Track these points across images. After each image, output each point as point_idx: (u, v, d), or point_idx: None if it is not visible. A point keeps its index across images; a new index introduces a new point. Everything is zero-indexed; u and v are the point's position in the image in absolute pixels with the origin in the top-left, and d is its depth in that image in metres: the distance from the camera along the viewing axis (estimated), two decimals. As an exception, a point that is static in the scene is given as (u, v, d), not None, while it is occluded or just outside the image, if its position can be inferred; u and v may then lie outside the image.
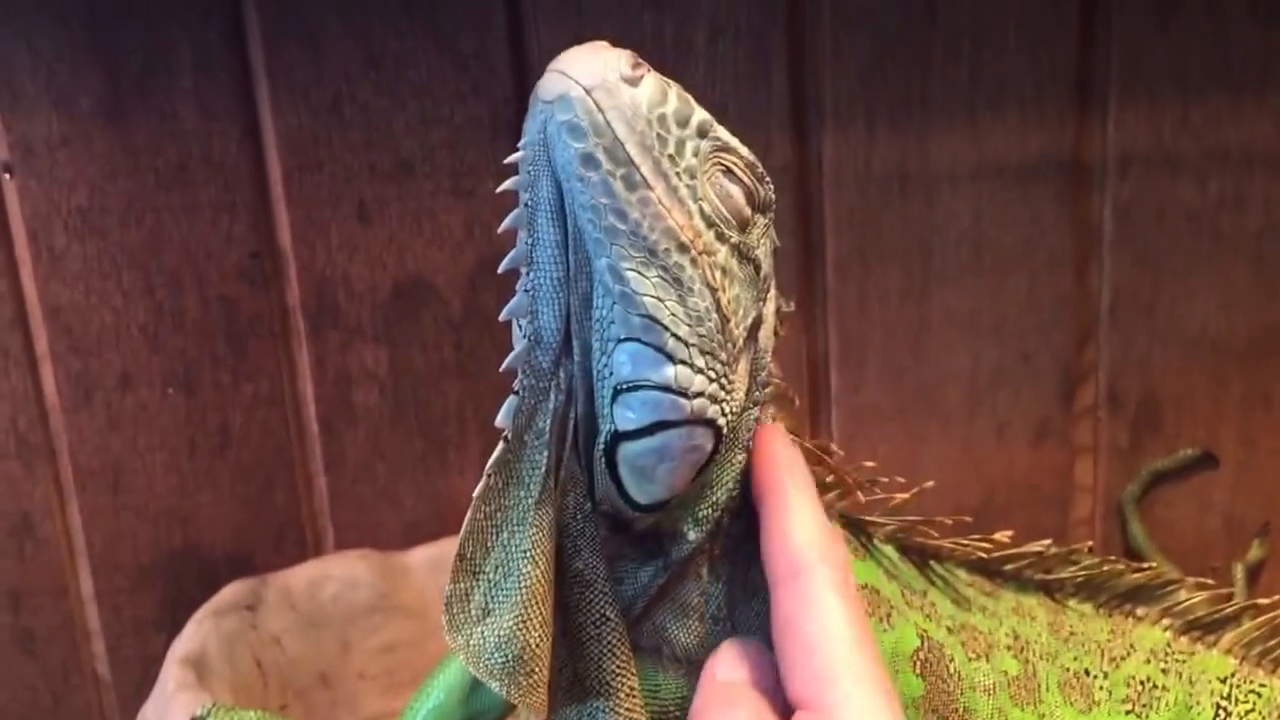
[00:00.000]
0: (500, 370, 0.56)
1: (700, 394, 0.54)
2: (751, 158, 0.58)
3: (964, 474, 0.99)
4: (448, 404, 0.99)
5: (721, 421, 0.56)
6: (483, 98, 0.94)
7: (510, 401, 0.57)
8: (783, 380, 0.62)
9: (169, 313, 0.97)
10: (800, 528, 0.53)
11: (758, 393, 0.60)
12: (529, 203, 0.55)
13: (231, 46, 0.93)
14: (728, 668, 0.54)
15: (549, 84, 0.53)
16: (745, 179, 0.57)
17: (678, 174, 0.54)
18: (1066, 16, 0.89)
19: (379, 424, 1.00)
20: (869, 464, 0.68)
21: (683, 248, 0.54)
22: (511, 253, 0.56)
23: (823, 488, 0.66)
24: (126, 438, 0.99)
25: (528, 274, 0.56)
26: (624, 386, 0.54)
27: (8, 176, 0.94)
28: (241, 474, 1.00)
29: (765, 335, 0.60)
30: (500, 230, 0.56)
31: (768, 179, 0.58)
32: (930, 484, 0.68)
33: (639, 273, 0.53)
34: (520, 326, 0.57)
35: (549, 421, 0.56)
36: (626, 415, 0.54)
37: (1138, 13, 0.89)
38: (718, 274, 0.55)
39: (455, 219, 0.96)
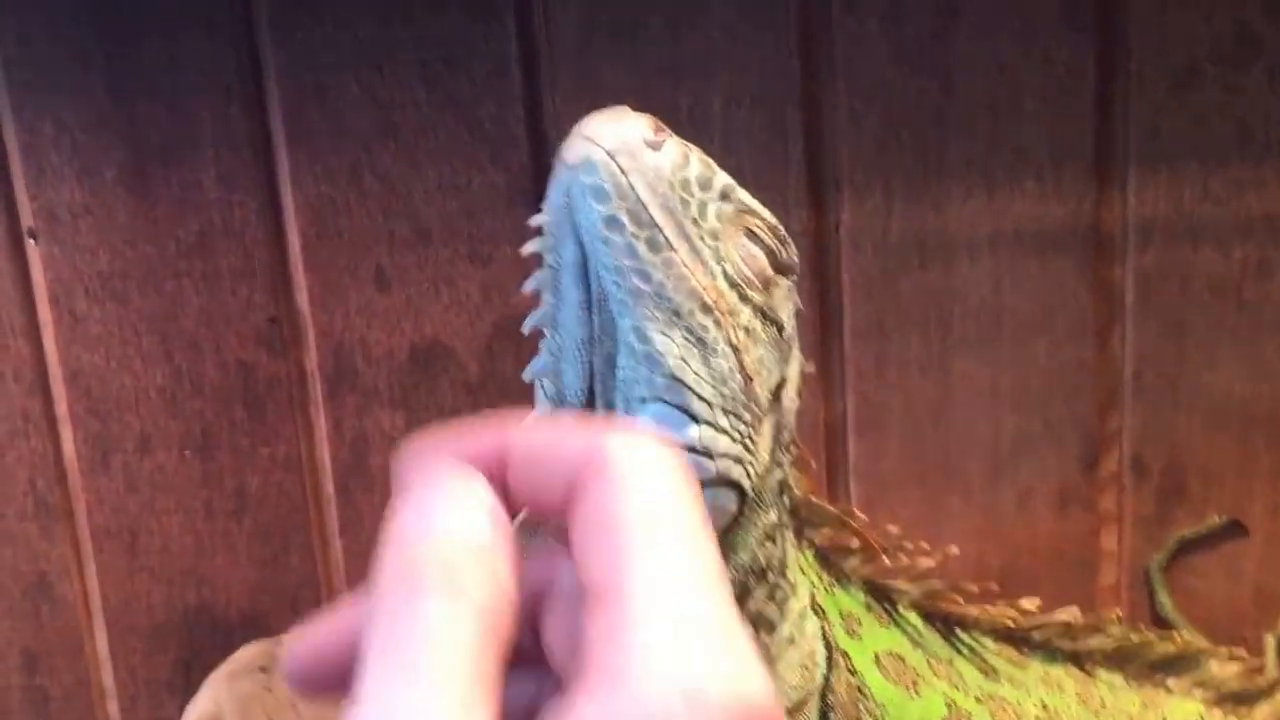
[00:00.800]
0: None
1: (724, 455, 0.55)
2: (773, 220, 0.59)
3: (987, 542, 0.98)
4: (464, 469, 0.97)
5: (746, 483, 0.56)
6: (500, 165, 0.94)
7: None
8: (799, 443, 0.62)
9: (188, 377, 0.98)
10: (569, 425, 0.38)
11: (782, 454, 0.60)
12: (553, 265, 0.55)
13: (252, 117, 0.94)
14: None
15: (573, 148, 0.54)
16: (768, 241, 0.58)
17: (701, 236, 0.55)
18: (1083, 86, 0.89)
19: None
20: (892, 528, 0.67)
21: (706, 309, 0.54)
22: (535, 314, 0.57)
23: (846, 553, 0.66)
24: (144, 499, 1.00)
25: (551, 335, 0.56)
26: None
27: (32, 242, 0.96)
28: (258, 536, 1.00)
29: (789, 397, 0.60)
30: (524, 290, 0.57)
31: (790, 241, 0.59)
32: (955, 550, 0.67)
33: (663, 333, 0.53)
34: (544, 387, 0.57)
35: None
36: None
37: (1155, 82, 0.88)
38: (741, 335, 0.55)
39: (472, 284, 0.96)
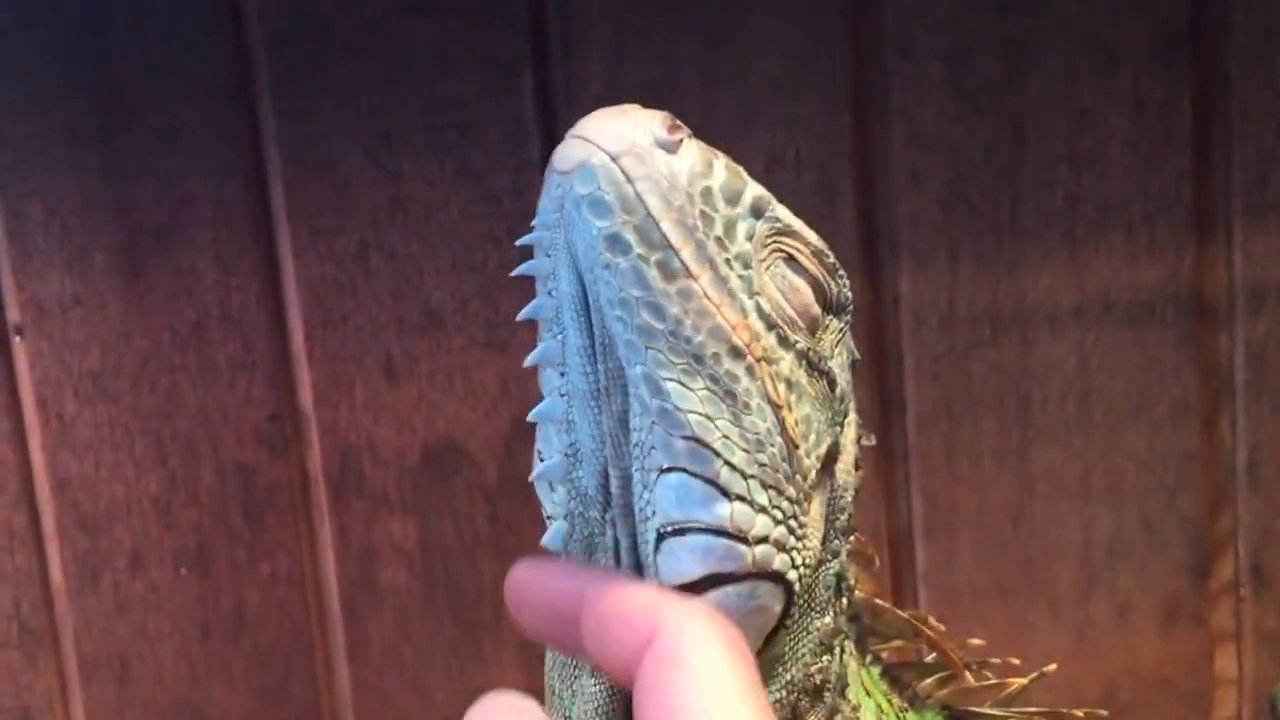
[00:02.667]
0: (530, 480, 0.50)
1: (764, 539, 0.47)
2: (820, 244, 0.52)
3: (1081, 665, 0.93)
4: (482, 582, 0.94)
5: (792, 575, 0.48)
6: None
7: (557, 529, 0.51)
8: (860, 533, 0.55)
9: (182, 484, 0.94)
10: (633, 588, 0.43)
11: (837, 541, 0.53)
12: (553, 293, 0.49)
13: (252, 193, 0.91)
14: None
15: (566, 151, 0.47)
16: (813, 270, 0.51)
17: (727, 261, 0.48)
18: (1178, 132, 0.86)
19: (407, 605, 0.95)
20: (976, 641, 0.62)
21: (736, 353, 0.47)
22: (539, 347, 0.50)
23: (920, 670, 0.60)
24: (135, 622, 0.95)
25: (562, 376, 0.49)
26: (669, 529, 0.46)
27: (18, 339, 0.93)
28: (257, 661, 0.95)
29: (844, 469, 0.53)
30: (518, 320, 0.50)
31: (841, 272, 0.52)
32: (1053, 667, 0.62)
33: (681, 383, 0.47)
34: (551, 436, 0.50)
35: (609, 561, 0.49)
36: (673, 566, 0.46)
37: (1261, 123, 0.86)
38: (781, 387, 0.48)
39: (489, 375, 0.91)
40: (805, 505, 0.49)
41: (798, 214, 0.84)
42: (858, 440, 0.54)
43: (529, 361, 0.50)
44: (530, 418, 0.50)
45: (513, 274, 0.49)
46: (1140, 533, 0.91)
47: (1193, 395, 0.90)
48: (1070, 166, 0.86)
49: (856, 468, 0.54)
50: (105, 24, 0.88)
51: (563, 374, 0.49)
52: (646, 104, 0.85)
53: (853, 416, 0.54)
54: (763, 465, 0.47)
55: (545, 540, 0.50)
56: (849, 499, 0.53)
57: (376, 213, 0.90)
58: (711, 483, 0.46)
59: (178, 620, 0.95)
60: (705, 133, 0.84)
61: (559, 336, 0.49)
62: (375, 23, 0.88)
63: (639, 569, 0.48)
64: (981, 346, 0.89)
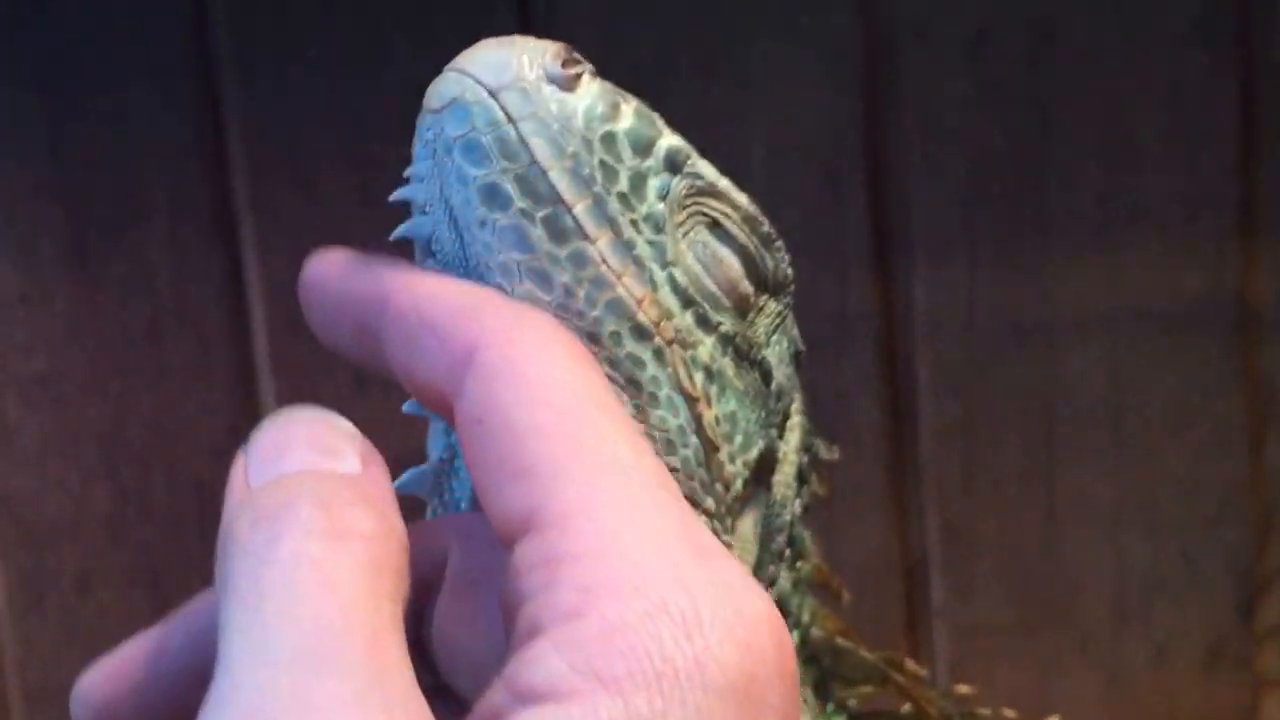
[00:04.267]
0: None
1: None
2: (753, 208, 0.46)
3: (1113, 711, 0.91)
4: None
5: None
6: (499, 235, 0.85)
7: (412, 473, 0.45)
8: (820, 559, 0.50)
9: (134, 499, 0.91)
10: (448, 286, 0.38)
11: (774, 568, 0.47)
12: (437, 253, 0.43)
13: (213, 184, 0.88)
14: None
15: (440, 87, 0.42)
16: (743, 238, 0.45)
17: (633, 223, 0.42)
18: (1222, 121, 0.84)
19: None
20: (963, 689, 0.56)
21: (641, 332, 0.42)
22: None
23: None
24: (83, 650, 0.88)
25: None
26: None
27: None
28: None
29: (783, 482, 0.47)
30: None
31: (779, 244, 0.46)
32: None
33: None
34: (433, 438, 0.45)
35: None
36: None
37: None
38: (699, 377, 0.43)
39: None
40: (729, 522, 0.44)
41: (802, 210, 0.83)
42: (807, 449, 0.49)
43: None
44: (405, 408, 0.45)
45: (391, 237, 0.44)
46: (1179, 566, 0.90)
47: (1238, 414, 0.88)
48: (1102, 159, 0.84)
49: (802, 481, 0.48)
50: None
51: None
52: (640, 87, 0.84)
53: (798, 419, 0.49)
54: (674, 470, 0.42)
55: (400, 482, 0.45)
56: (789, 517, 0.47)
57: (348, 203, 0.88)
58: None
59: (128, 647, 0.91)
60: (704, 116, 0.81)
61: None
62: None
63: None
64: (1003, 357, 0.87)
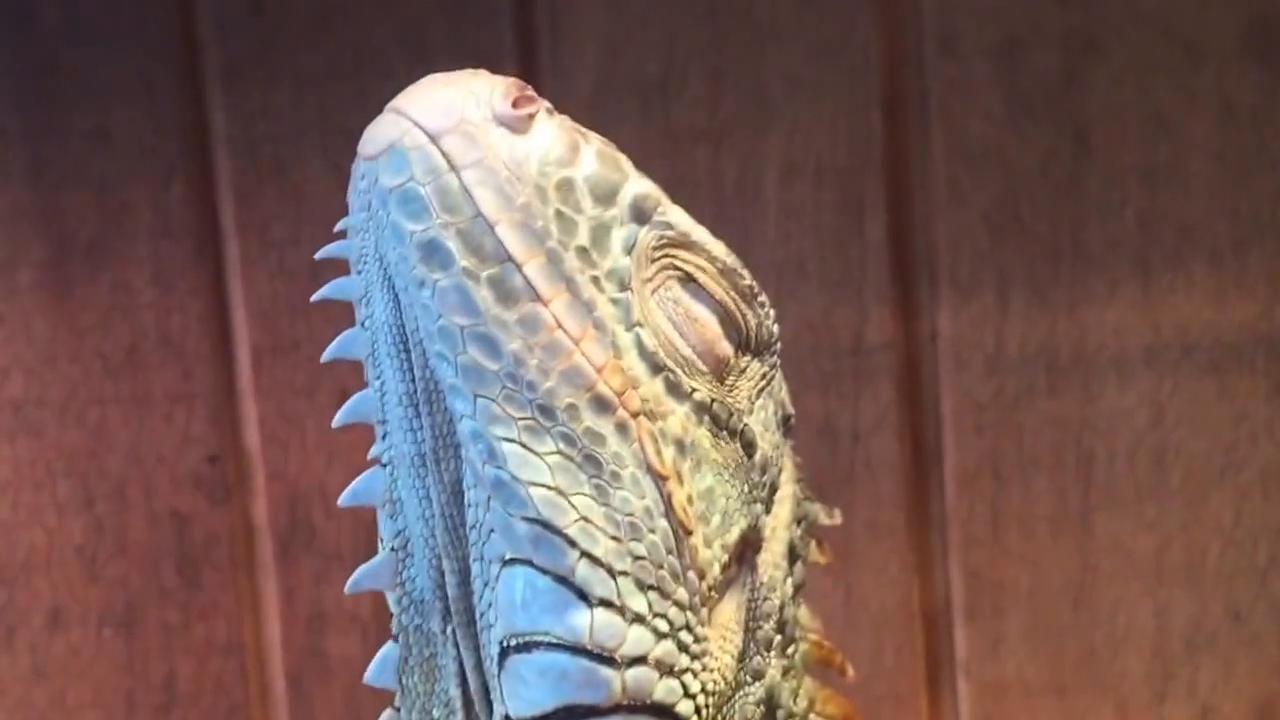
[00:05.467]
0: (345, 591, 0.44)
1: (639, 659, 0.39)
2: (731, 260, 0.43)
3: None
4: (444, 656, 0.86)
5: (685, 707, 0.40)
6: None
7: (385, 652, 0.44)
8: (821, 636, 0.47)
9: (110, 532, 0.90)
10: None
11: (761, 657, 0.44)
12: (367, 323, 0.42)
13: (197, 201, 0.88)
14: None
15: (376, 130, 0.40)
16: (721, 294, 0.43)
17: (595, 280, 0.40)
18: (1273, 142, 0.81)
19: (359, 680, 0.87)
20: None
21: (601, 404, 0.39)
22: (350, 403, 0.43)
23: None
24: (53, 690, 0.92)
25: (384, 437, 0.43)
26: (513, 642, 0.39)
27: None
28: None
29: (770, 561, 0.45)
30: (323, 361, 0.44)
31: (763, 298, 0.43)
32: None
33: (523, 445, 0.39)
34: (381, 523, 0.43)
35: (457, 689, 0.42)
36: (519, 692, 0.39)
37: None
38: (669, 452, 0.40)
39: None
40: (705, 612, 0.41)
41: (818, 235, 0.80)
42: (798, 521, 0.46)
43: (337, 420, 0.43)
44: (342, 501, 0.44)
45: (314, 298, 0.43)
46: (1225, 621, 0.87)
47: (1290, 456, 0.79)
48: (1143, 182, 0.82)
49: (794, 558, 0.46)
50: (32, 8, 0.85)
51: (384, 434, 0.43)
52: (646, 102, 0.83)
53: (789, 490, 0.46)
54: (639, 559, 0.39)
55: (369, 675, 0.44)
56: (778, 600, 0.45)
57: (335, 224, 0.85)
58: (564, 581, 0.39)
59: (101, 689, 0.91)
60: (715, 134, 0.80)
61: (378, 380, 0.42)
62: (340, 8, 0.84)
63: (488, 696, 0.41)
64: (1035, 394, 0.85)
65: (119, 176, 0.87)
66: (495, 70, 0.81)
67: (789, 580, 0.46)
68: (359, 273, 0.42)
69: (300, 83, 0.85)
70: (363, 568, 0.42)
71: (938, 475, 0.85)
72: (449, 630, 0.42)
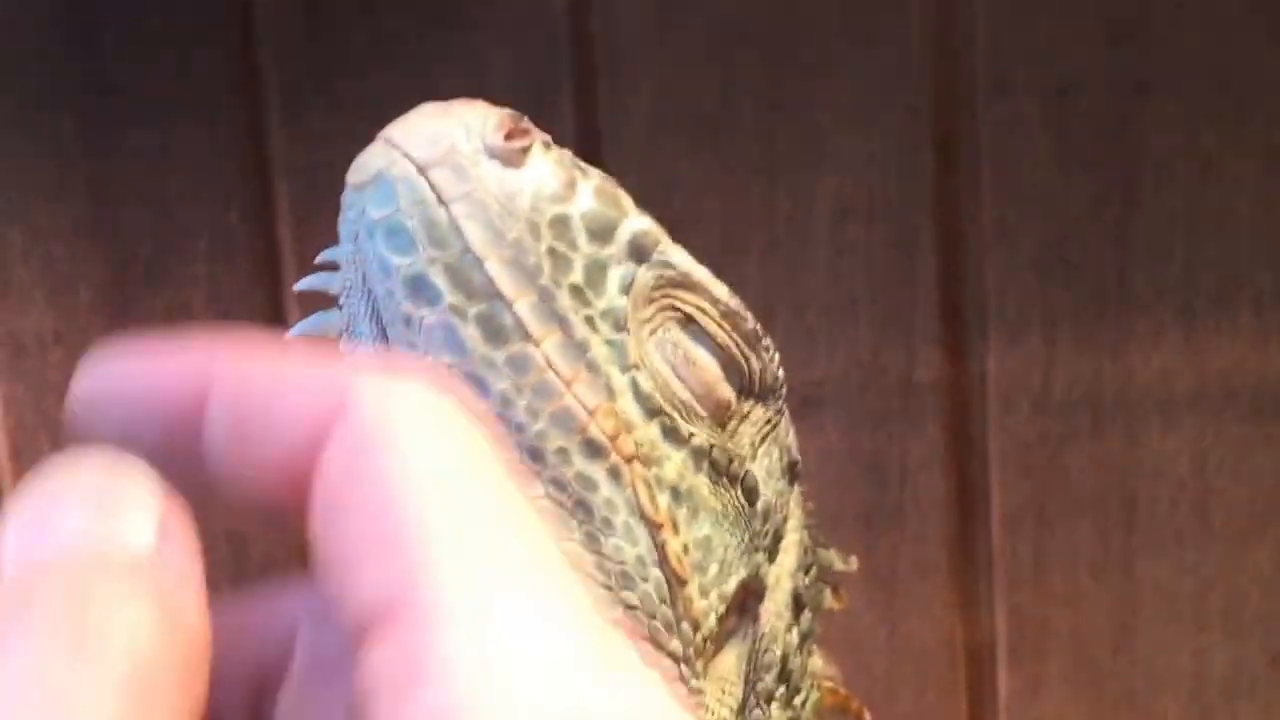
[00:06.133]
0: None
1: None
2: (734, 302, 0.41)
3: None
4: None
5: None
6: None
7: None
8: (838, 683, 0.46)
9: None
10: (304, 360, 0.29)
11: (765, 710, 0.43)
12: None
13: (256, 227, 0.87)
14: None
15: (364, 159, 0.39)
16: (722, 337, 0.41)
17: (589, 319, 0.39)
18: None
19: None
20: None
21: (593, 449, 0.38)
22: None
23: None
24: None
25: None
26: None
27: None
28: None
29: (773, 611, 0.43)
30: None
31: (767, 342, 0.42)
32: None
33: None
34: None
35: None
36: None
37: None
38: (664, 499, 0.39)
39: None
40: (700, 664, 0.40)
41: (869, 275, 0.80)
42: (806, 569, 0.45)
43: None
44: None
45: (291, 333, 0.41)
46: (1265, 668, 0.86)
47: (1334, 503, 0.83)
48: (1189, 227, 0.81)
49: (799, 607, 0.44)
50: (95, 29, 0.85)
51: None
52: (700, 139, 0.81)
53: (794, 538, 0.44)
54: (630, 608, 0.38)
55: None
56: (780, 650, 0.43)
57: None
58: None
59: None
60: (768, 171, 0.81)
61: None
62: (398, 38, 0.84)
63: None
64: (1080, 437, 0.84)
65: (179, 197, 0.86)
66: (552, 103, 0.83)
67: (794, 630, 0.44)
68: (342, 306, 0.40)
69: (360, 110, 0.81)
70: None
71: (984, 515, 0.85)
72: None
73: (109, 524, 0.24)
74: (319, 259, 0.42)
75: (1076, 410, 0.83)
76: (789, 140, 0.81)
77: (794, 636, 0.44)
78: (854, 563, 0.48)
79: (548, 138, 0.40)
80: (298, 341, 0.40)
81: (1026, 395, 0.83)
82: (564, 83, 0.83)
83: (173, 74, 0.84)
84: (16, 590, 0.23)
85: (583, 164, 0.40)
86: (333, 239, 0.87)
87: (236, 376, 0.26)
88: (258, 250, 0.86)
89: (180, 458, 0.27)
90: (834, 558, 0.47)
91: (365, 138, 0.84)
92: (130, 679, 0.22)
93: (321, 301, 0.91)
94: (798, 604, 0.44)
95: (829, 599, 0.47)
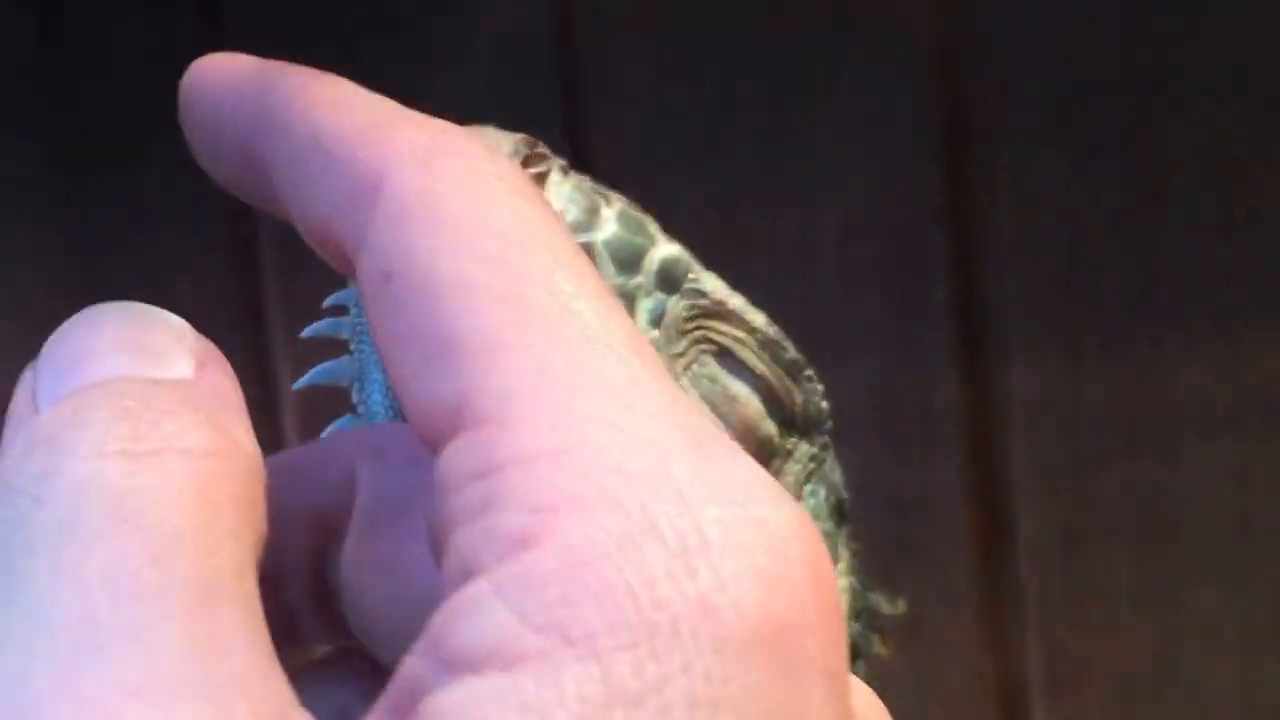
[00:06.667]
0: None
1: None
2: (773, 331, 0.40)
3: None
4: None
5: None
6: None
7: None
8: None
9: None
10: (357, 98, 0.28)
11: None
12: (361, 409, 0.39)
13: (239, 272, 0.88)
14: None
15: None
16: (762, 369, 0.39)
17: None
18: None
19: None
20: None
21: None
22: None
23: None
24: None
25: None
26: None
27: None
28: None
29: None
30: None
31: (809, 373, 0.40)
32: None
33: None
34: None
35: None
36: None
37: None
38: None
39: None
40: None
41: (880, 294, 0.79)
42: (857, 615, 0.43)
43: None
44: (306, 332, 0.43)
45: (297, 385, 0.40)
46: None
47: (1388, 524, 0.84)
48: (1223, 233, 0.78)
49: (853, 655, 0.42)
50: (67, 67, 0.86)
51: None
52: (693, 156, 0.80)
53: (845, 581, 0.43)
54: None
55: None
56: None
57: None
58: None
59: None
60: (769, 191, 0.79)
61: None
62: (380, 67, 0.79)
63: None
64: (1113, 459, 0.81)
65: (157, 248, 0.86)
66: (541, 125, 0.81)
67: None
68: (352, 353, 0.39)
69: None
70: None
71: (1011, 545, 0.82)
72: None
73: (149, 353, 0.24)
74: (327, 303, 0.40)
75: (1108, 431, 0.80)
76: (789, 157, 0.80)
77: None
78: (901, 605, 0.46)
79: (564, 162, 0.38)
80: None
81: (1053, 417, 0.81)
82: (548, 106, 0.82)
83: (148, 120, 0.84)
84: (63, 413, 0.22)
85: (604, 189, 0.38)
86: (319, 281, 0.88)
87: (298, 111, 0.26)
88: (241, 299, 0.87)
89: (258, 183, 0.28)
90: (881, 600, 0.45)
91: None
92: (198, 484, 0.21)
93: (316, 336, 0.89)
94: (852, 653, 0.42)
95: (876, 644, 0.45)
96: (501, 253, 0.23)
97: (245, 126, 0.28)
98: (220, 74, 0.29)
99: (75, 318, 0.25)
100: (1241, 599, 0.81)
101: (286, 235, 0.87)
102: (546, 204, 0.24)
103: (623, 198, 0.39)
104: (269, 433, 0.86)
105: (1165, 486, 0.81)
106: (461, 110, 0.90)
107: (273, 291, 0.87)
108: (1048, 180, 0.80)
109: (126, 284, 0.85)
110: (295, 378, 0.84)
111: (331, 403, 0.90)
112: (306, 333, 0.42)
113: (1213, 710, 0.82)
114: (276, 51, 0.92)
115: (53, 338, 0.25)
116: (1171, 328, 0.79)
